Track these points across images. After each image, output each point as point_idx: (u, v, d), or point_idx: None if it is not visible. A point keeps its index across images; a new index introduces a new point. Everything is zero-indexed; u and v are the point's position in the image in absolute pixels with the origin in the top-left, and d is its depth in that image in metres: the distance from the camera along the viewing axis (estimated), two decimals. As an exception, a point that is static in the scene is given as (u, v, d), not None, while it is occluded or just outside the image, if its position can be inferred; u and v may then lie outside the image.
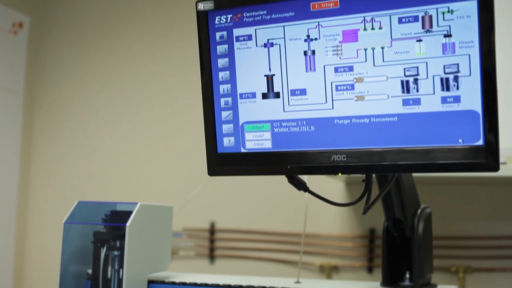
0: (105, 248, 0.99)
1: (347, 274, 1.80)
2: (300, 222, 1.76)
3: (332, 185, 1.78)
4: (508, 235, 1.69)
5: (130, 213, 0.98)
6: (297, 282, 1.08)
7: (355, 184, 1.80)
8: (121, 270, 0.97)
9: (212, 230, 1.94)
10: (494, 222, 1.71)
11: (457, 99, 0.76)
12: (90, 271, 1.02)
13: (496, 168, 0.72)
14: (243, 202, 1.94)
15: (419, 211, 1.03)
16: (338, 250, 1.82)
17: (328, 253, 1.83)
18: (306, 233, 1.81)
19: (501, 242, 1.69)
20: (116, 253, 0.98)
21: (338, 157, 0.81)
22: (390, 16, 0.78)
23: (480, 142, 0.74)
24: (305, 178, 0.92)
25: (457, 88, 0.75)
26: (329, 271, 1.80)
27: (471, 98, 0.75)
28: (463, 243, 1.71)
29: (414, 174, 1.05)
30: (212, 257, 1.93)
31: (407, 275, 1.03)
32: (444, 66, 0.76)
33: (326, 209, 1.82)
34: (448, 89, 0.76)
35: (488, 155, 0.73)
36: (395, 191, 0.97)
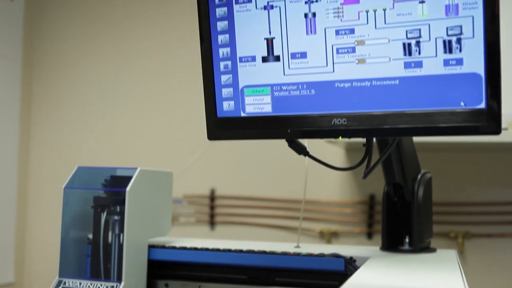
0: (105, 213, 0.99)
1: (346, 240, 1.81)
2: (300, 188, 1.77)
3: (332, 152, 1.78)
4: (507, 201, 1.69)
5: (130, 178, 0.98)
6: (297, 246, 1.08)
7: (355, 151, 1.79)
8: (121, 235, 0.97)
9: (212, 197, 1.94)
10: (493, 188, 1.71)
11: (459, 62, 0.74)
12: (90, 236, 1.02)
13: (497, 131, 0.72)
14: (243, 169, 1.94)
15: (419, 176, 1.03)
16: (338, 216, 1.83)
17: (328, 219, 1.83)
18: (306, 200, 1.81)
19: (499, 208, 1.69)
20: (116, 218, 0.98)
21: (339, 121, 0.80)
22: (392, -23, 0.77)
23: (482, 105, 0.73)
24: (305, 143, 0.91)
25: (460, 51, 0.74)
26: (329, 237, 1.81)
27: (474, 60, 0.74)
28: (462, 209, 1.72)
29: (414, 140, 1.05)
30: (212, 223, 1.94)
31: (407, 240, 1.03)
32: (447, 28, 0.75)
33: (326, 175, 1.82)
34: (450, 51, 0.75)
35: (489, 119, 0.72)
36: (396, 156, 0.97)
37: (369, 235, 1.80)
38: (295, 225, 1.86)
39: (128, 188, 0.96)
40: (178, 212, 1.95)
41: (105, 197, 1.00)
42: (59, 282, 0.97)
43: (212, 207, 1.94)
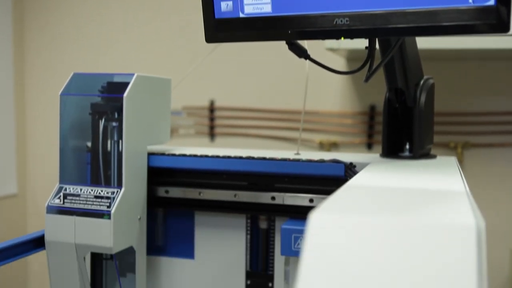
0: (103, 120, 0.98)
1: (346, 151, 1.82)
2: (300, 99, 1.75)
3: (333, 61, 1.75)
4: (508, 111, 1.68)
5: (127, 84, 0.96)
6: (297, 154, 1.08)
7: (356, 60, 1.76)
8: (120, 142, 0.96)
9: (211, 108, 1.93)
10: (493, 97, 1.70)
11: (469, -44, 0.71)
12: (89, 144, 1.02)
13: (506, 28, 0.69)
14: (242, 80, 1.92)
15: (421, 82, 1.01)
16: (338, 127, 1.83)
17: (328, 130, 1.83)
18: (306, 111, 1.80)
19: (500, 117, 1.69)
20: (114, 124, 0.97)
21: (341, 21, 0.77)
22: None
23: (491, 1, 0.70)
24: (305, 45, 0.89)
25: None
26: (328, 148, 1.81)
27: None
28: (462, 119, 1.72)
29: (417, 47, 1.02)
30: (212, 135, 1.94)
31: (407, 146, 1.03)
32: None
33: (326, 85, 1.80)
34: None
35: (498, 16, 0.70)
36: (398, 60, 0.94)
37: (369, 146, 1.80)
38: (295, 136, 1.86)
39: (125, 94, 0.94)
40: (178, 124, 1.95)
41: (102, 103, 0.99)
42: (60, 189, 0.97)
43: (211, 119, 1.94)
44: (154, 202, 1.06)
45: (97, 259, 1.06)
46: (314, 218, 0.46)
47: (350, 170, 0.95)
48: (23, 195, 2.12)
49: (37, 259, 2.09)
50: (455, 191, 0.60)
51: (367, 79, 0.85)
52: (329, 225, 0.44)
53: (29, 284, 2.14)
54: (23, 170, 2.12)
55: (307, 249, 0.44)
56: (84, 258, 0.96)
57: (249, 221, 1.06)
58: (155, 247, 1.11)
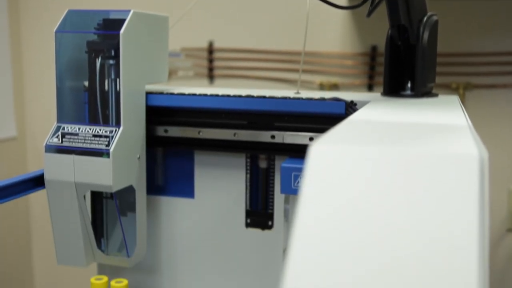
0: (100, 58, 0.97)
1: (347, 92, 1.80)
2: (300, 40, 1.72)
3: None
4: (511, 51, 1.66)
5: (123, 21, 0.94)
6: (297, 93, 1.07)
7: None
8: (117, 80, 0.95)
9: (210, 50, 1.90)
10: (496, 37, 1.67)
11: None
12: (87, 84, 1.01)
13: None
14: (241, 20, 1.88)
15: (425, 18, 0.98)
16: (339, 68, 1.80)
17: (328, 71, 1.81)
18: (306, 52, 1.78)
19: (503, 58, 1.66)
20: (111, 62, 0.96)
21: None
22: None
23: None
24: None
25: None
26: (329, 89, 1.80)
27: None
28: (464, 60, 1.69)
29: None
30: (211, 76, 1.92)
31: (409, 85, 1.02)
32: None
33: (326, 26, 1.77)
34: None
35: None
36: (402, -6, 0.92)
37: (370, 87, 1.79)
38: (295, 77, 1.84)
39: (122, 31, 0.92)
40: (176, 65, 1.92)
41: (98, 41, 0.97)
42: (58, 128, 0.96)
43: (210, 60, 1.91)
44: (153, 142, 1.05)
45: (97, 198, 1.06)
46: (314, 150, 0.45)
47: (350, 108, 0.94)
48: (22, 138, 2.12)
49: (39, 203, 2.11)
50: (458, 125, 0.59)
51: (369, 13, 0.83)
52: (330, 155, 0.44)
53: (32, 228, 2.16)
54: (21, 113, 2.11)
55: (307, 180, 0.43)
56: (85, 197, 0.96)
57: (248, 160, 1.06)
58: (155, 187, 1.12)
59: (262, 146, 1.00)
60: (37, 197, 2.08)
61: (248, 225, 1.07)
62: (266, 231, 1.06)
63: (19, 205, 2.08)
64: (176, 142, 1.05)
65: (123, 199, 1.04)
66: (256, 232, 1.07)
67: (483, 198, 0.40)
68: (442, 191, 0.40)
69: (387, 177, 0.42)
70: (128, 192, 1.00)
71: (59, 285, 2.14)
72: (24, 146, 2.12)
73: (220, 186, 1.08)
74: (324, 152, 0.44)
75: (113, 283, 1.03)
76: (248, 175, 1.06)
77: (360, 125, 0.58)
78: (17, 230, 2.10)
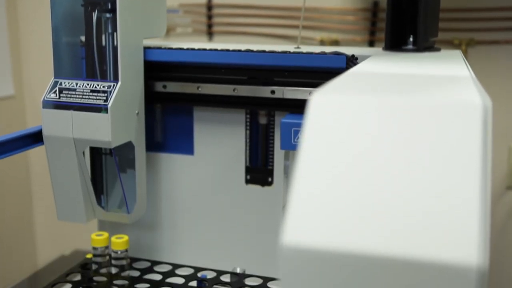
0: (96, 12, 0.95)
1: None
2: (300, -5, 1.69)
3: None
4: (516, 6, 1.63)
5: (119, -27, 0.91)
6: (297, 47, 1.05)
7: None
8: (115, 34, 0.93)
9: (209, 5, 1.87)
10: (503, -8, 1.64)
11: None
12: (83, 38, 0.99)
13: None
14: (241, -24, 1.84)
15: (428, -30, 0.96)
16: (339, 25, 1.78)
17: (329, 27, 1.78)
18: (306, 7, 1.75)
19: (506, 13, 1.64)
20: (108, 15, 0.94)
21: None
22: None
23: None
24: None
25: None
26: (329, 45, 1.77)
27: None
28: (467, 15, 1.66)
29: None
30: (210, 33, 1.89)
31: (411, 39, 1.00)
32: None
33: (328, -19, 1.74)
34: None
35: None
36: None
37: (371, 43, 1.76)
38: (295, 34, 1.81)
39: (118, -17, 0.90)
40: (174, 22, 1.89)
41: (94, -6, 0.95)
42: (55, 83, 0.95)
43: (209, 17, 1.88)
44: (152, 98, 1.04)
45: (97, 155, 1.06)
46: (314, 99, 0.44)
47: (351, 63, 0.92)
48: (21, 96, 2.10)
49: (38, 160, 2.11)
50: (460, 76, 0.58)
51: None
52: (331, 104, 0.43)
53: (32, 186, 2.17)
54: (19, 71, 2.09)
55: (307, 130, 0.43)
56: (84, 154, 0.96)
57: (248, 116, 1.05)
58: (155, 144, 1.11)
59: (262, 102, 0.99)
60: (37, 154, 2.08)
61: (247, 181, 1.07)
62: (266, 188, 1.06)
63: (19, 163, 2.08)
64: (175, 98, 1.04)
65: (123, 156, 1.04)
66: (256, 188, 1.07)
67: (486, 146, 0.40)
68: (445, 138, 0.39)
69: (388, 125, 0.41)
70: (127, 149, 1.00)
71: (60, 242, 2.16)
72: (22, 104, 2.11)
73: (220, 143, 1.08)
74: (325, 102, 0.44)
75: (113, 239, 1.04)
76: (248, 132, 1.06)
77: (361, 77, 0.57)
78: (17, 187, 2.11)
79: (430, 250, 0.35)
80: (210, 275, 1.04)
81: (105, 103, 0.91)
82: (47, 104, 0.93)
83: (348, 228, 0.37)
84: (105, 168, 1.07)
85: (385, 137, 0.41)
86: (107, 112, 0.90)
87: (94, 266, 1.04)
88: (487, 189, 0.40)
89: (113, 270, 1.03)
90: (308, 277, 0.37)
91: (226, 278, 1.03)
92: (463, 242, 0.35)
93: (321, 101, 0.44)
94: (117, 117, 0.92)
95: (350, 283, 0.36)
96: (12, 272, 2.00)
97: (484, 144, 0.39)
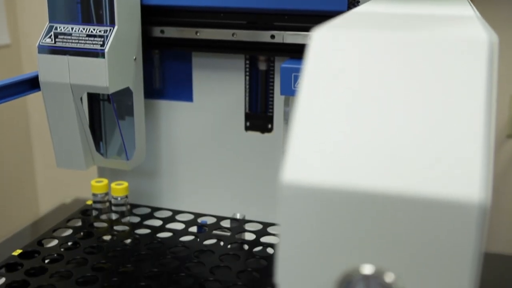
0: (91, -47, 0.92)
1: None
2: None
3: None
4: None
5: None
6: (298, -9, 1.02)
7: None
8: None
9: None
10: None
11: None
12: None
13: None
14: None
15: None
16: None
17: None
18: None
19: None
20: (103, -43, 0.91)
21: None
22: None
23: None
24: None
25: None
26: None
27: None
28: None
29: None
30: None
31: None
32: None
33: None
34: None
35: None
36: None
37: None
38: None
39: None
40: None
41: None
42: (50, 28, 0.93)
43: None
44: (149, 43, 1.02)
45: (95, 101, 1.05)
46: (316, 34, 0.43)
47: (353, 6, 0.90)
48: (17, 45, 2.07)
49: (37, 109, 2.10)
50: (466, 15, 0.57)
51: None
52: (333, 39, 0.42)
53: (31, 135, 2.16)
54: (14, 19, 2.06)
55: (308, 65, 0.42)
56: (82, 100, 0.95)
57: (247, 62, 1.04)
58: (153, 91, 1.10)
59: (261, 47, 0.98)
60: (35, 103, 2.06)
61: (247, 128, 1.07)
62: (266, 134, 1.06)
63: (18, 112, 2.07)
64: (173, 43, 1.02)
65: (121, 102, 1.03)
66: (255, 135, 1.06)
67: (491, 83, 0.39)
68: (450, 74, 0.38)
69: (392, 61, 0.40)
70: (125, 95, 0.99)
71: (61, 188, 2.17)
72: (18, 53, 2.09)
73: (219, 89, 1.06)
74: (329, 35, 0.42)
75: (113, 185, 1.04)
76: (248, 78, 1.04)
77: (364, 15, 0.56)
78: (17, 136, 2.10)
79: (432, 186, 0.34)
80: (210, 220, 1.04)
81: (102, 47, 0.89)
82: (43, 49, 0.92)
83: (349, 165, 0.37)
84: (103, 115, 1.06)
85: (388, 73, 0.40)
86: (104, 57, 0.89)
87: (94, 212, 1.05)
88: (492, 126, 0.39)
89: (113, 216, 1.04)
90: (308, 216, 0.37)
91: (226, 224, 1.03)
92: (466, 179, 0.34)
93: (323, 35, 0.43)
94: (114, 62, 0.90)
95: (350, 220, 0.36)
96: (14, 220, 2.02)
97: (489, 79, 0.38)
